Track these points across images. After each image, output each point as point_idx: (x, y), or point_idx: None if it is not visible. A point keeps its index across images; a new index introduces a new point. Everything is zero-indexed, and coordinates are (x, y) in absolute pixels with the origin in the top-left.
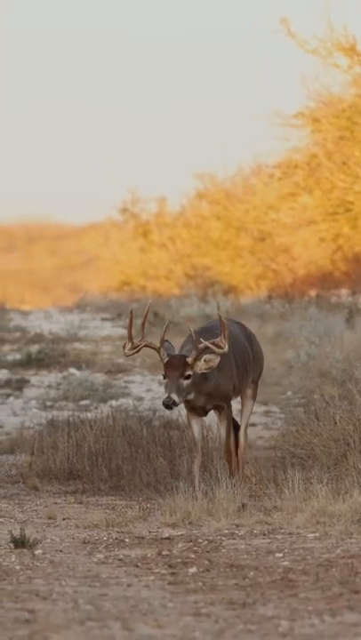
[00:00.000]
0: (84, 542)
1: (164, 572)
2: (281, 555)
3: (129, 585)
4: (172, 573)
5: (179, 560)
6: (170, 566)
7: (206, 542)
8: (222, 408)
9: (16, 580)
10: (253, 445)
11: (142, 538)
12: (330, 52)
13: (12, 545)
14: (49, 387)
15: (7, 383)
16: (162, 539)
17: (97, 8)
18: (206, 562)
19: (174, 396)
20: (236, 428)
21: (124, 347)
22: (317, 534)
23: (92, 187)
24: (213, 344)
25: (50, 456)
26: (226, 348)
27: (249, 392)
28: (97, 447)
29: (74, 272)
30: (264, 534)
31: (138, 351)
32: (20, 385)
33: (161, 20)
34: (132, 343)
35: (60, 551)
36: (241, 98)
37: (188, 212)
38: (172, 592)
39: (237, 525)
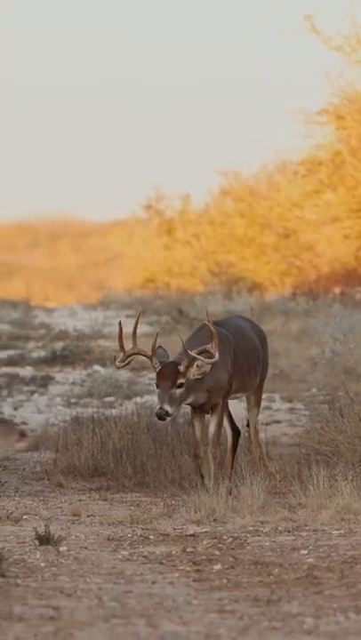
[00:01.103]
0: (108, 539)
1: (188, 569)
2: (306, 552)
3: (153, 582)
4: (197, 570)
5: (203, 557)
6: (194, 563)
7: (231, 539)
8: (217, 404)
9: (41, 577)
10: (278, 442)
11: (167, 535)
12: (354, 49)
13: (36, 542)
14: (73, 384)
15: (32, 380)
16: (186, 536)
17: (97, 8)
18: (231, 559)
19: (167, 407)
20: (238, 431)
21: (114, 359)
22: (342, 531)
23: (116, 184)
24: (204, 351)
25: (74, 453)
26: (217, 357)
27: (253, 399)
28: (121, 444)
29: (98, 269)
30: (289, 531)
31: (129, 363)
32: (44, 382)
33: (194, 17)
34: (125, 353)
35: (85, 548)
36: (265, 95)
37: (212, 209)
38: (196, 589)
39: (262, 522)
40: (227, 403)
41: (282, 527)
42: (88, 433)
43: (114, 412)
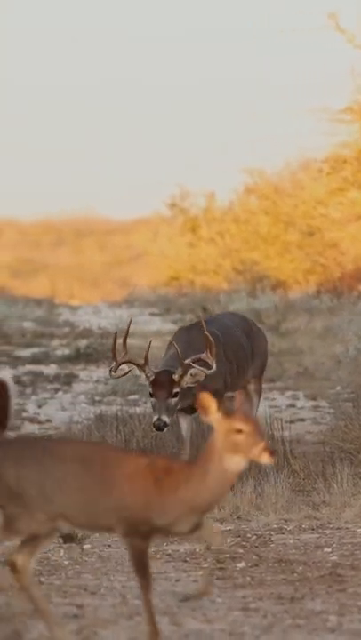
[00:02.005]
0: None
1: (212, 566)
2: (329, 550)
3: (177, 580)
4: (221, 568)
5: (227, 555)
6: (218, 561)
7: (255, 537)
8: None
9: (65, 575)
10: (302, 440)
11: None
12: None
13: (60, 540)
14: (97, 381)
15: (56, 378)
16: None
17: (98, 8)
18: (255, 557)
19: (165, 418)
20: None
21: (110, 370)
22: None
23: (141, 182)
24: (199, 359)
25: None
26: (214, 367)
27: (252, 387)
28: (145, 442)
29: (123, 267)
30: (313, 529)
31: (125, 373)
32: (68, 380)
33: (223, 15)
34: (116, 362)
35: (109, 546)
36: (288, 93)
37: (236, 206)
38: (220, 587)
39: (286, 520)
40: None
41: (306, 525)
42: (112, 431)
43: (138, 410)
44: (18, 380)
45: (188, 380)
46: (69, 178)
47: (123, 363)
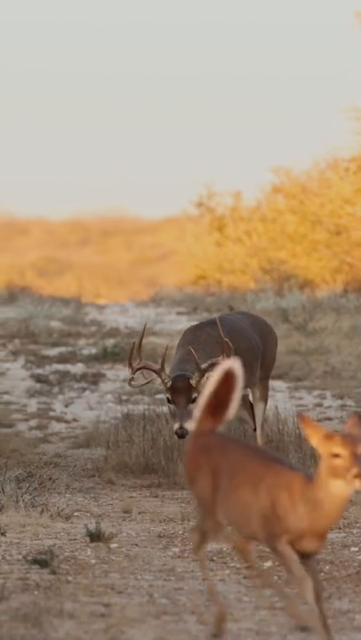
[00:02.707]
0: (159, 536)
1: (239, 566)
2: (356, 549)
3: (204, 579)
4: (248, 567)
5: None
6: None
7: None
8: None
9: (92, 574)
10: None
11: None
12: None
13: (87, 539)
14: (124, 381)
15: (83, 377)
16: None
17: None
18: None
19: (187, 425)
20: None
21: (129, 381)
22: None
23: (168, 181)
24: (216, 364)
25: (125, 450)
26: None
27: (258, 394)
28: (173, 441)
29: (149, 266)
30: (339, 528)
31: (145, 383)
32: (95, 379)
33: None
34: (132, 369)
35: (136, 545)
36: (318, 92)
37: (263, 206)
38: (247, 586)
39: None
40: None
41: None
42: (139, 430)
43: (165, 408)
44: (45, 380)
45: (204, 385)
46: (98, 177)
47: (138, 369)
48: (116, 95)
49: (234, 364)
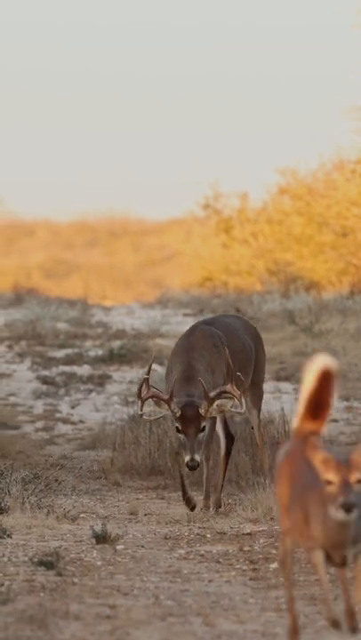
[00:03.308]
0: (165, 538)
1: (245, 567)
2: None
3: (210, 580)
4: (254, 569)
5: (260, 556)
6: (251, 562)
7: None
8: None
9: (98, 576)
10: (335, 441)
11: (224, 533)
12: None
13: (93, 540)
14: (131, 382)
15: (89, 379)
16: (243, 534)
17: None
18: None
19: (197, 457)
20: (232, 437)
21: (140, 413)
22: None
23: (174, 182)
24: (225, 392)
25: (132, 452)
26: (244, 408)
27: (250, 400)
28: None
29: (156, 268)
30: None
31: (158, 418)
32: (101, 380)
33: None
34: (141, 400)
35: (142, 547)
36: (318, 92)
37: (270, 207)
38: (253, 588)
39: None
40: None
41: None
42: (145, 432)
43: None
44: (51, 381)
45: (213, 411)
46: (104, 178)
47: (147, 398)
48: (117, 95)
49: (328, 361)
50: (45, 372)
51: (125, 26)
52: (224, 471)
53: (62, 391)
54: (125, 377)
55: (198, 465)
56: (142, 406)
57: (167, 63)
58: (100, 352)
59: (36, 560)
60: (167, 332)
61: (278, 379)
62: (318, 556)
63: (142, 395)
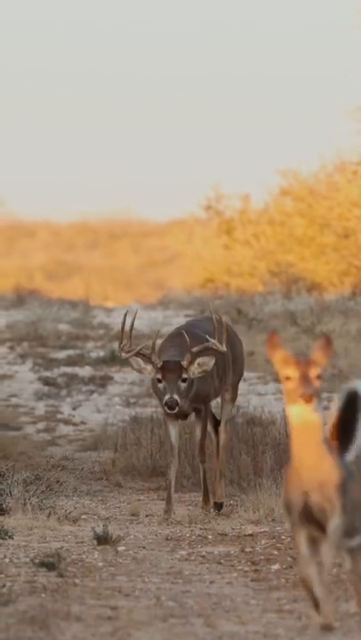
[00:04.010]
0: (166, 539)
1: (246, 568)
2: None
3: (212, 582)
4: (255, 570)
5: (262, 557)
6: (253, 563)
7: (289, 539)
8: (200, 410)
9: (99, 577)
10: None
11: (225, 535)
12: None
13: (95, 542)
14: (132, 383)
15: (91, 380)
16: (245, 535)
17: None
18: (289, 558)
19: (176, 397)
20: (217, 422)
21: (122, 348)
22: None
23: (175, 183)
24: (206, 348)
25: (133, 453)
26: (224, 348)
27: (228, 396)
28: (180, 444)
29: (157, 269)
30: None
31: (134, 352)
32: (103, 382)
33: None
34: (131, 343)
35: (143, 548)
36: (318, 92)
37: (271, 208)
38: (254, 589)
39: None
40: (210, 407)
41: None
42: (147, 433)
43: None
44: (53, 382)
45: (195, 370)
46: (105, 179)
47: (131, 354)
48: (117, 95)
49: (357, 387)
50: (47, 374)
51: (125, 26)
52: (218, 460)
53: (64, 392)
54: (127, 378)
55: (177, 404)
56: (125, 350)
57: (167, 63)
58: (101, 353)
59: (37, 561)
60: (169, 332)
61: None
62: (301, 537)
63: (124, 348)
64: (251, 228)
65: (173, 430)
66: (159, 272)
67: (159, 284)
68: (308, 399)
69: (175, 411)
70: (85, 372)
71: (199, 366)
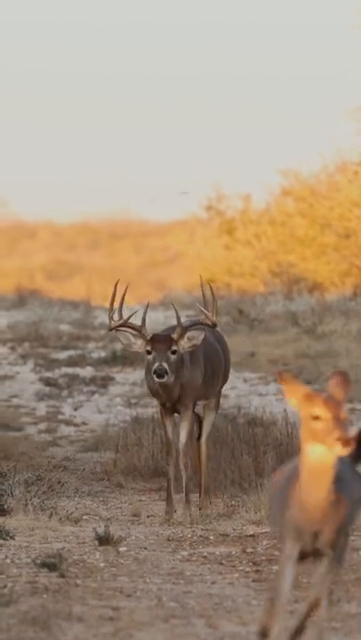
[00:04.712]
0: (168, 540)
1: (248, 569)
2: None
3: (213, 582)
4: (257, 571)
5: (263, 557)
6: (254, 564)
7: None
8: (187, 408)
9: (100, 578)
10: None
11: (227, 535)
12: None
13: (96, 542)
14: (133, 384)
15: (92, 380)
16: (246, 536)
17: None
18: None
19: (165, 365)
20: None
21: (111, 318)
22: None
23: (176, 184)
24: (200, 322)
25: (134, 453)
26: (215, 319)
27: (212, 404)
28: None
29: (158, 269)
30: None
31: (127, 319)
32: (104, 382)
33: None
34: (121, 316)
35: (145, 548)
36: (318, 92)
37: (273, 209)
38: (256, 589)
39: None
40: (193, 411)
41: None
42: (148, 433)
43: None
44: (54, 383)
45: (184, 345)
46: (105, 180)
47: (119, 327)
48: (117, 95)
49: None
50: (48, 374)
51: (125, 26)
52: (206, 473)
53: (65, 393)
54: (128, 379)
55: (166, 372)
56: (114, 323)
57: (167, 63)
58: (102, 354)
59: (38, 562)
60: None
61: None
62: (289, 550)
63: (112, 318)
64: (252, 228)
65: (170, 427)
66: (160, 272)
67: (160, 284)
68: (346, 443)
69: (164, 379)
70: (86, 372)
71: (189, 340)
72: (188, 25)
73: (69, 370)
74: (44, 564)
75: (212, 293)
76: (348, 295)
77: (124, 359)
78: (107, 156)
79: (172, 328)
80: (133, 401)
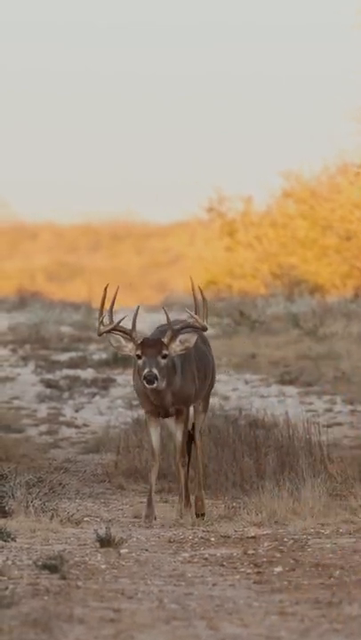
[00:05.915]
0: (169, 541)
1: (249, 571)
2: None
3: (214, 584)
4: (258, 572)
5: (264, 559)
6: (255, 565)
7: (292, 541)
8: (182, 412)
9: (102, 580)
10: (339, 444)
11: (228, 537)
12: None
13: (97, 544)
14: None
15: (93, 382)
16: (247, 538)
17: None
18: (292, 561)
19: (155, 371)
20: (191, 436)
21: (100, 322)
22: None
23: (178, 185)
24: (190, 325)
25: (136, 455)
26: (205, 323)
27: (201, 406)
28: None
29: (160, 271)
30: (350, 533)
31: (117, 323)
32: (105, 384)
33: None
34: (112, 319)
35: (146, 550)
36: (318, 92)
37: (274, 210)
38: (257, 591)
39: (323, 524)
40: (189, 411)
41: (343, 529)
42: (149, 435)
43: None
44: (55, 385)
45: (176, 348)
46: (107, 181)
47: (110, 330)
48: (117, 95)
49: None
50: (49, 376)
51: (125, 26)
52: (196, 471)
53: (66, 395)
54: (129, 380)
55: (156, 378)
56: (103, 330)
57: (167, 63)
58: (104, 355)
59: (40, 563)
60: None
61: (283, 382)
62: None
63: (103, 322)
64: (253, 229)
65: (155, 433)
66: (162, 274)
67: (162, 285)
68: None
69: (154, 385)
70: (88, 374)
71: (181, 343)
72: (188, 25)
73: (70, 372)
74: (45, 566)
75: (203, 296)
76: (350, 297)
77: (125, 361)
78: (107, 157)
79: (163, 331)
80: (134, 403)
